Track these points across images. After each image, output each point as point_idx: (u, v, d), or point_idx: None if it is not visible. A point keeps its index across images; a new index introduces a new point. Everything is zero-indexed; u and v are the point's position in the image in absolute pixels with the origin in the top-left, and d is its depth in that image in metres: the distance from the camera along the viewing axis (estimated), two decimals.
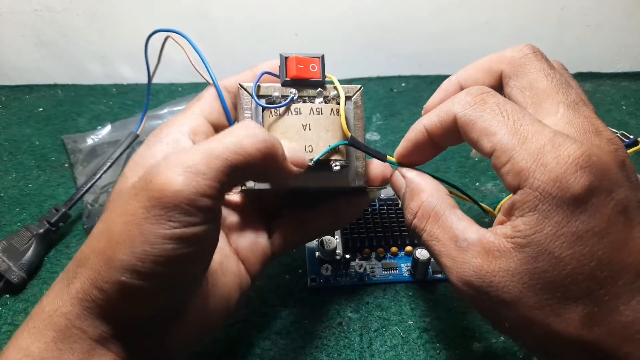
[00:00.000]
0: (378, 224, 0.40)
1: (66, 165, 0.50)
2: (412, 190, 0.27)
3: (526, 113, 0.22)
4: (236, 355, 0.33)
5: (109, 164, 0.44)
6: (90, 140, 0.51)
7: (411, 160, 0.28)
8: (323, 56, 0.28)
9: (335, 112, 0.28)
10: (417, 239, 0.35)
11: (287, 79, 0.28)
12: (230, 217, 0.30)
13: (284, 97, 0.28)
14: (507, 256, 0.21)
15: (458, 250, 0.23)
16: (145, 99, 0.41)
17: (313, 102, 0.28)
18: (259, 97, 0.28)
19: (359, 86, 0.30)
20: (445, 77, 0.29)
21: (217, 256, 0.26)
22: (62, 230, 0.42)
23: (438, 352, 0.33)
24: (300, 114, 0.27)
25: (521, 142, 0.21)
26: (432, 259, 0.37)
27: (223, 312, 0.27)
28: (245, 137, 0.22)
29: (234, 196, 0.31)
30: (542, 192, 0.20)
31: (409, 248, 0.39)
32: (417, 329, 0.34)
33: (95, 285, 0.21)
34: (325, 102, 0.28)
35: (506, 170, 0.22)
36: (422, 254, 0.36)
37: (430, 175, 0.28)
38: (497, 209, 0.33)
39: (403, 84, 0.64)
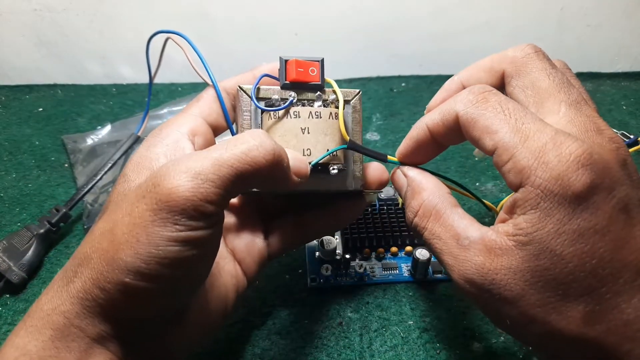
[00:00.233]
0: (378, 224, 0.40)
1: (66, 165, 0.50)
2: (413, 189, 0.27)
3: (528, 111, 0.23)
4: (236, 355, 0.33)
5: (109, 164, 0.44)
6: (90, 140, 0.51)
7: (413, 159, 0.28)
8: (323, 60, 0.28)
9: (334, 116, 0.28)
10: (418, 238, 0.35)
11: (286, 81, 0.28)
12: (227, 217, 0.30)
13: (283, 100, 0.28)
14: (509, 254, 0.21)
15: (460, 249, 0.23)
16: (146, 99, 0.41)
17: (312, 106, 0.28)
18: (258, 99, 0.28)
19: (357, 90, 0.30)
20: (445, 77, 0.29)
21: None
22: (63, 230, 0.42)
23: (438, 352, 0.33)
24: (299, 117, 0.27)
25: (523, 141, 0.21)
26: (432, 259, 0.37)
27: (221, 313, 0.28)
28: (254, 146, 0.22)
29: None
30: (544, 190, 0.20)
31: (409, 248, 0.39)
32: (417, 329, 0.34)
33: (97, 285, 0.21)
34: (324, 106, 0.28)
35: (508, 169, 0.22)
36: (422, 254, 0.36)
37: (432, 173, 0.28)
38: (499, 207, 0.33)
39: (403, 84, 0.64)
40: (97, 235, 0.22)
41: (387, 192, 0.42)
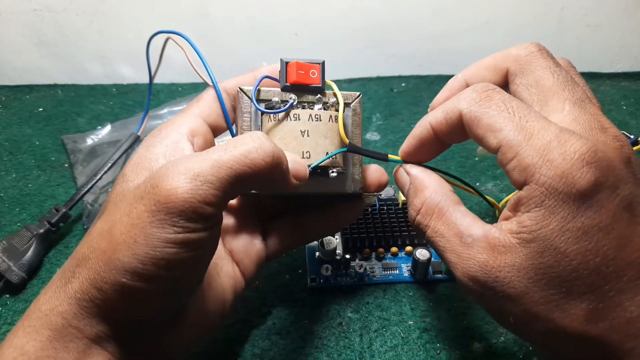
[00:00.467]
0: (378, 224, 0.40)
1: (66, 165, 0.50)
2: (415, 186, 0.27)
3: (532, 110, 0.23)
4: (236, 355, 0.33)
5: (109, 164, 0.44)
6: (90, 140, 0.51)
7: (416, 157, 0.28)
8: (324, 62, 0.28)
9: (333, 119, 0.28)
10: (420, 237, 0.35)
11: (287, 84, 0.28)
12: (225, 218, 0.30)
13: (284, 102, 0.28)
14: (513, 251, 0.21)
15: (463, 246, 0.23)
16: (146, 98, 0.41)
17: (312, 109, 0.28)
18: (259, 101, 0.28)
19: (358, 93, 0.30)
20: (445, 77, 0.29)
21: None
22: (62, 230, 0.42)
23: (438, 352, 0.33)
24: (299, 120, 0.27)
25: (527, 139, 0.21)
26: (432, 259, 0.37)
27: (219, 314, 0.28)
28: (254, 149, 0.22)
29: None
30: (548, 187, 0.20)
31: (409, 248, 0.39)
32: (417, 329, 0.34)
33: (94, 286, 0.21)
34: (325, 109, 0.28)
35: (512, 167, 0.22)
36: (422, 254, 0.36)
37: (435, 170, 0.28)
38: (501, 204, 0.34)
39: (403, 84, 0.64)
40: (95, 236, 0.22)
41: (387, 192, 0.42)
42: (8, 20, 0.60)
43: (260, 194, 0.29)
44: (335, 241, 0.38)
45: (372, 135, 0.54)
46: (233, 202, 0.31)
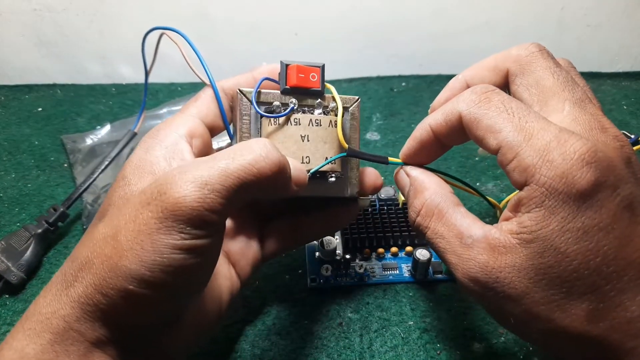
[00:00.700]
0: (378, 224, 0.39)
1: (65, 165, 0.50)
2: (415, 188, 0.27)
3: (531, 110, 0.23)
4: (236, 355, 0.33)
5: (106, 162, 0.43)
6: (90, 140, 0.51)
7: (417, 159, 0.28)
8: (323, 65, 0.28)
9: (333, 124, 0.28)
10: (420, 238, 0.35)
11: (287, 87, 0.28)
12: None
13: (284, 105, 0.28)
14: (513, 252, 0.21)
15: (463, 247, 0.23)
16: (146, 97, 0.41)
17: (312, 113, 0.28)
18: (258, 103, 0.28)
19: (356, 97, 0.30)
20: (445, 77, 0.29)
21: None
22: (61, 230, 0.42)
23: (438, 352, 0.33)
24: (299, 124, 0.27)
25: (527, 139, 0.21)
26: (432, 259, 0.37)
27: (215, 314, 0.28)
28: (261, 158, 0.22)
29: None
30: (549, 188, 0.20)
31: (409, 248, 0.39)
32: (417, 330, 0.34)
33: (99, 291, 0.21)
34: (325, 114, 0.28)
35: (512, 167, 0.22)
36: (422, 254, 0.36)
37: (435, 171, 0.28)
38: (502, 204, 0.33)
39: (403, 84, 0.63)
40: (99, 240, 0.22)
41: (387, 192, 0.42)
42: (8, 20, 0.60)
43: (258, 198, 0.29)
44: (335, 241, 0.38)
45: (372, 135, 0.54)
46: None
